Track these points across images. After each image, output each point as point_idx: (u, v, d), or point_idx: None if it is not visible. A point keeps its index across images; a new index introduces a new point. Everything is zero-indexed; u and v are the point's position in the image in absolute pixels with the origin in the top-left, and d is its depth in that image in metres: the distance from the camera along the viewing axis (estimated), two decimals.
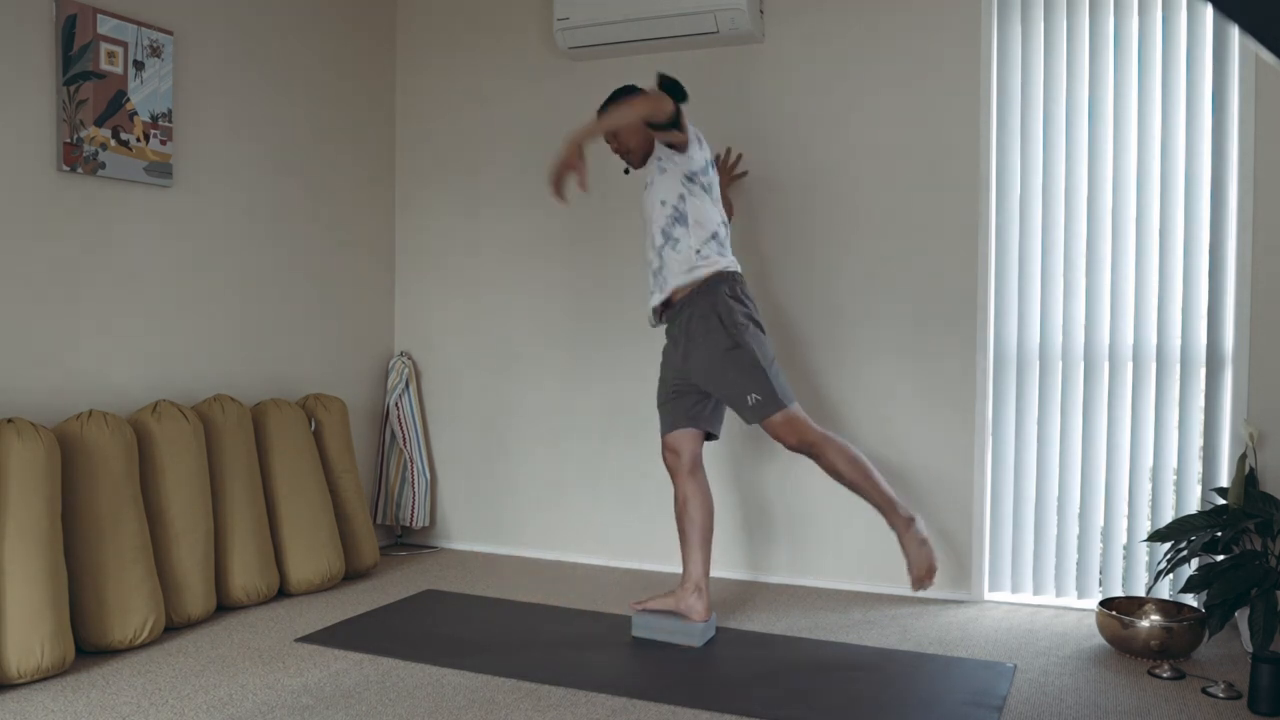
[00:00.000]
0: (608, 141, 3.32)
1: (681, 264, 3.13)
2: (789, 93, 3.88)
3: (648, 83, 4.04)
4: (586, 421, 4.23)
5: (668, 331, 3.25)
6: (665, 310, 3.23)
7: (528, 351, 4.33)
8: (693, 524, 3.19)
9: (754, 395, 3.04)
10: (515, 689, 2.73)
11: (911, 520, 3.05)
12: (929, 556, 3.02)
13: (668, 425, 3.25)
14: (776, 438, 3.09)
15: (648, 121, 3.02)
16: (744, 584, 3.89)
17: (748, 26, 3.74)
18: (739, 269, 3.18)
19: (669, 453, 3.23)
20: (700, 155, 3.13)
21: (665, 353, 3.28)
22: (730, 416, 3.98)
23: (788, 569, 3.91)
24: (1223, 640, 3.15)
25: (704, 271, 3.10)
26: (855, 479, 3.05)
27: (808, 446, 3.06)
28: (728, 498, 3.96)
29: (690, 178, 3.12)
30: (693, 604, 3.16)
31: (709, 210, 3.14)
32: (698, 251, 3.11)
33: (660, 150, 3.17)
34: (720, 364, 3.06)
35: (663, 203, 3.15)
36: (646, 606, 3.22)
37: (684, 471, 3.20)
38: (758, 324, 3.13)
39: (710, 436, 3.28)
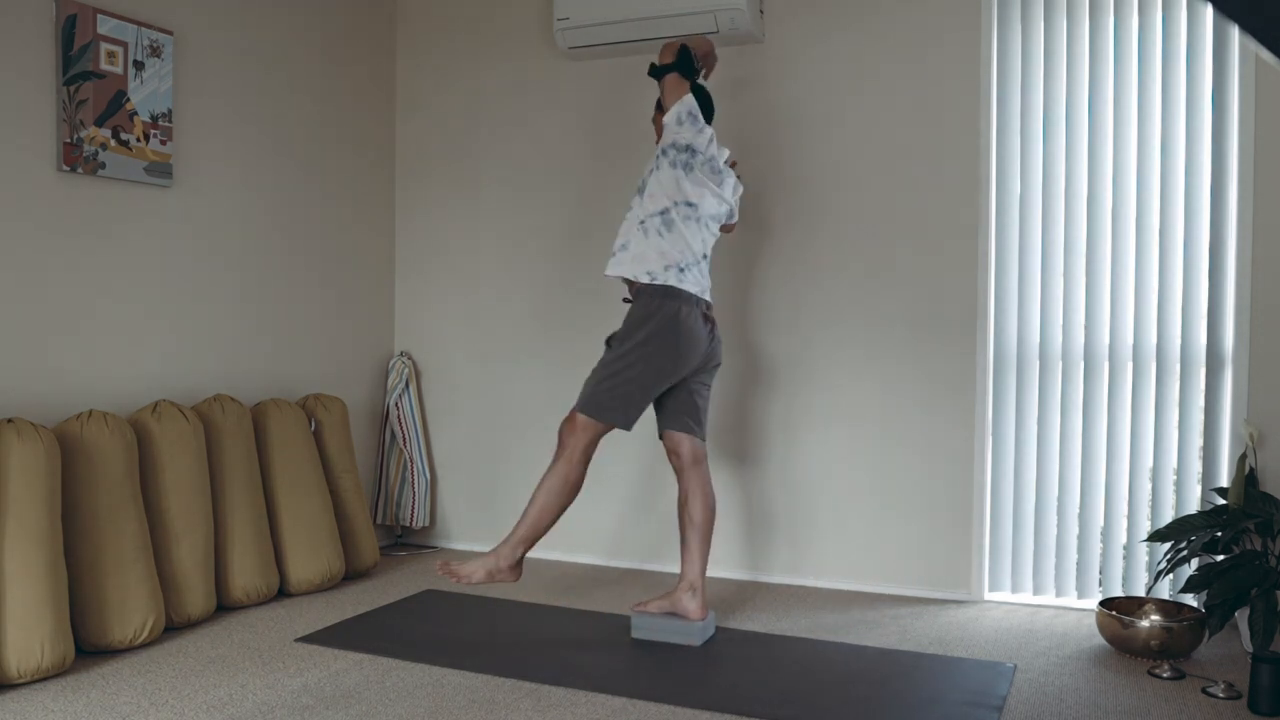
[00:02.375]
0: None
1: (630, 245, 3.14)
2: (789, 93, 3.88)
3: (648, 80, 4.06)
4: None
5: None
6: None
7: (528, 351, 4.33)
8: (691, 523, 3.20)
9: (586, 386, 3.16)
10: (515, 689, 2.73)
11: (514, 565, 3.11)
12: (476, 573, 3.05)
13: (662, 425, 3.29)
14: (563, 422, 3.17)
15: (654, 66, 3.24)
16: (744, 584, 3.89)
17: (748, 26, 3.74)
18: (687, 286, 3.10)
19: (673, 455, 3.25)
20: (676, 130, 3.15)
21: None
22: (730, 416, 3.98)
23: (788, 569, 3.91)
24: (1223, 640, 3.15)
25: (644, 286, 3.12)
26: (542, 498, 3.10)
27: (560, 440, 3.14)
28: (728, 498, 3.96)
29: (662, 151, 3.17)
30: (687, 603, 3.17)
31: (662, 188, 3.12)
32: (644, 259, 3.11)
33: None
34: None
35: (641, 178, 3.26)
36: (646, 609, 3.22)
37: (685, 469, 3.21)
38: (668, 344, 3.07)
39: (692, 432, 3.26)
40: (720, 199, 3.23)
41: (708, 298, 3.19)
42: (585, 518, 4.24)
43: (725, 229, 3.44)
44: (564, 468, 3.10)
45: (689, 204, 3.13)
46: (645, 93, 4.07)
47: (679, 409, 3.22)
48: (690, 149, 3.14)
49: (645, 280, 3.10)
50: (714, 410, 3.99)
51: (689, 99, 3.17)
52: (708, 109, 3.25)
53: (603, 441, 4.17)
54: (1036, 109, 3.58)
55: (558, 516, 3.14)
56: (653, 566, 4.10)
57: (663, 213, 3.11)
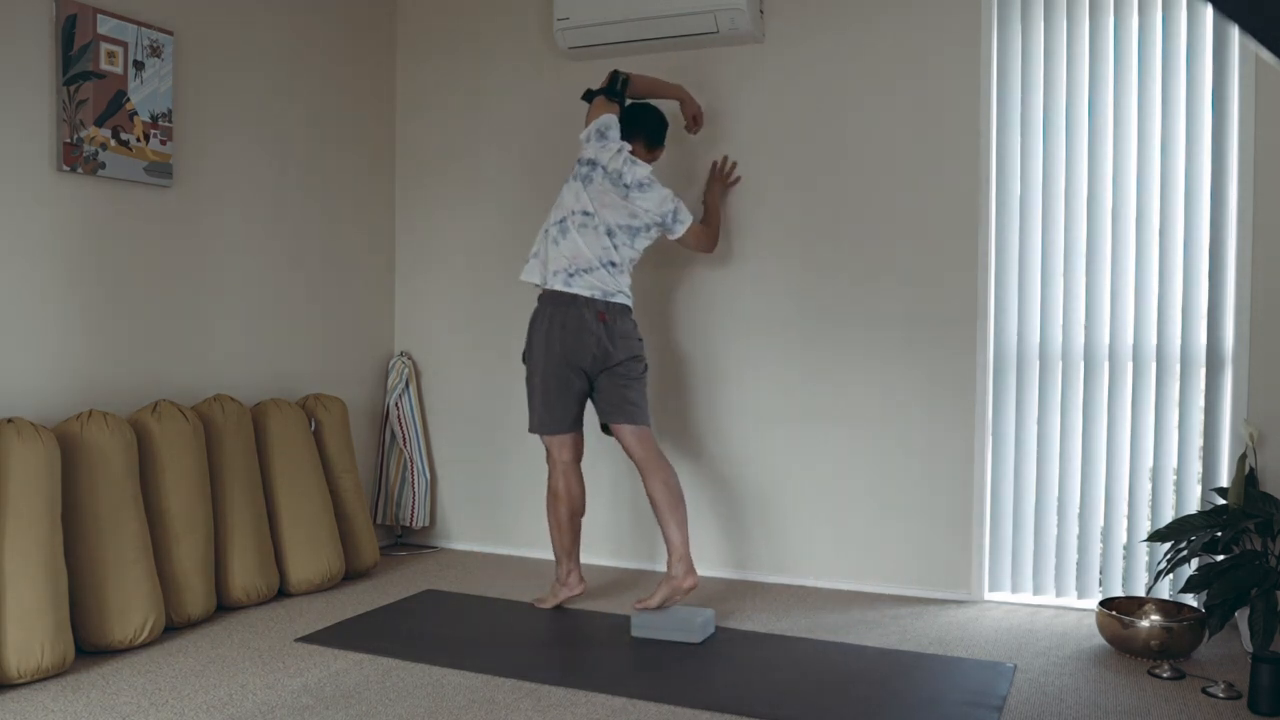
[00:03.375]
0: None
1: (540, 253, 3.49)
2: (789, 93, 3.88)
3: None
4: (585, 421, 4.22)
5: None
6: None
7: None
8: (655, 505, 3.32)
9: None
10: (515, 689, 2.73)
11: (565, 587, 3.49)
12: (554, 599, 3.50)
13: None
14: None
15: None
16: (744, 584, 3.89)
17: (748, 26, 3.74)
18: (577, 289, 3.35)
19: (627, 452, 3.46)
20: (584, 145, 3.46)
21: None
22: (729, 416, 3.98)
23: (788, 569, 3.91)
24: (1223, 640, 3.15)
25: (536, 285, 3.49)
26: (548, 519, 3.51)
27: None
28: (729, 497, 3.96)
29: (577, 162, 3.47)
30: (676, 570, 3.23)
31: (563, 197, 3.43)
32: (541, 266, 3.46)
33: None
34: None
35: None
36: (647, 605, 3.23)
37: (634, 457, 3.38)
38: (536, 349, 3.40)
39: (604, 428, 3.47)
40: (629, 211, 3.40)
41: (618, 300, 3.39)
42: (586, 517, 4.24)
43: (683, 242, 3.58)
44: (552, 488, 3.51)
45: (585, 213, 3.39)
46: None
47: (607, 405, 3.41)
48: (592, 163, 3.41)
49: (537, 281, 3.44)
50: (714, 410, 4.00)
51: (605, 118, 3.44)
52: (656, 127, 3.55)
53: (602, 443, 4.19)
54: (1036, 109, 3.58)
55: (559, 528, 3.50)
56: (652, 567, 4.10)
57: (560, 222, 3.41)
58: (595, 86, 3.56)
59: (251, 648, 3.05)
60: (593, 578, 3.97)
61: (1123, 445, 3.50)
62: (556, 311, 3.35)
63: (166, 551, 3.18)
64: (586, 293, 3.34)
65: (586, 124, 3.47)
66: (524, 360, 3.47)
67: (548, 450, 3.48)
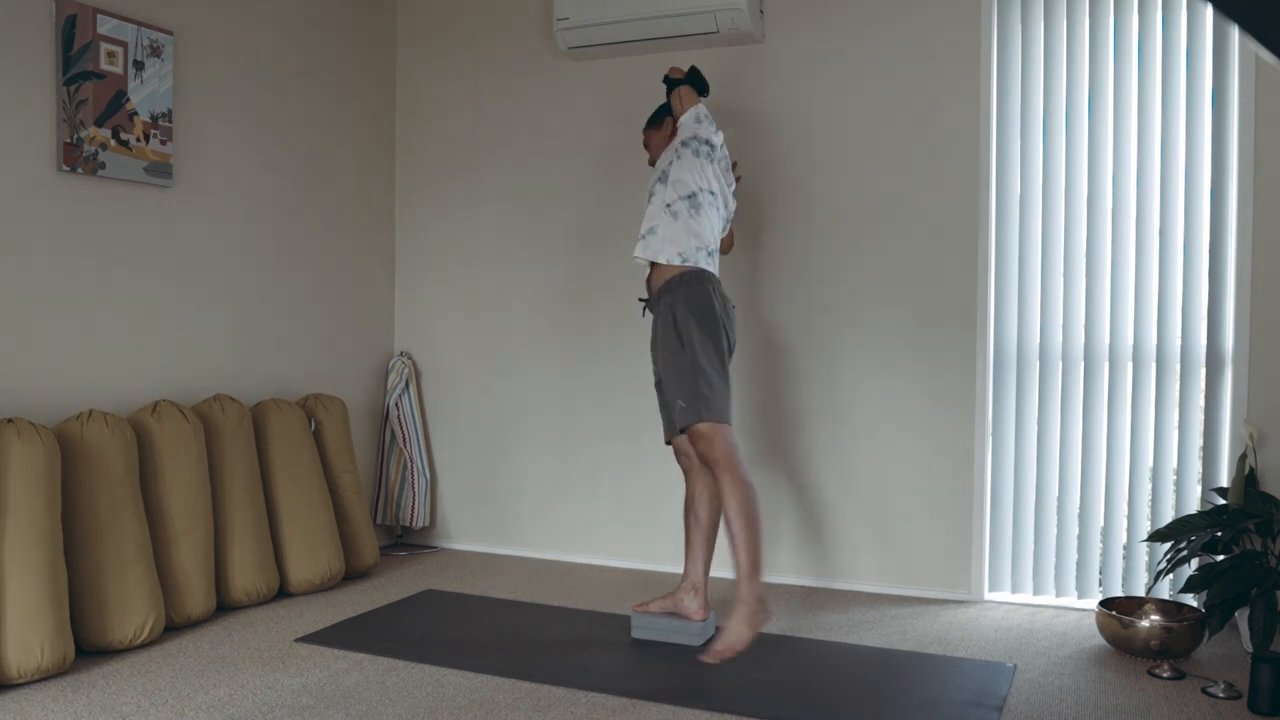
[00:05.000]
0: (649, 154, 3.46)
1: (658, 229, 3.13)
2: (789, 93, 3.88)
3: (649, 80, 4.06)
4: (586, 421, 4.23)
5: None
6: (646, 290, 3.26)
7: (527, 351, 4.33)
8: (697, 523, 3.20)
9: (680, 401, 3.00)
10: (515, 689, 2.73)
11: (760, 600, 2.85)
12: (742, 640, 2.81)
13: (667, 428, 3.20)
14: (692, 444, 3.01)
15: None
16: None
17: (748, 26, 3.74)
18: (712, 269, 3.15)
19: (679, 453, 3.25)
20: (694, 125, 3.20)
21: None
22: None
23: (788, 569, 3.91)
24: (1223, 640, 3.15)
25: (674, 264, 3.10)
26: (735, 521, 2.88)
27: (710, 463, 2.96)
28: None
29: (683, 143, 3.19)
30: (688, 603, 3.17)
31: (689, 174, 3.14)
32: (675, 240, 3.11)
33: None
34: (667, 364, 3.06)
35: (655, 170, 3.25)
36: (647, 609, 3.22)
37: (693, 470, 3.20)
38: (713, 329, 3.03)
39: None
40: (728, 199, 3.27)
41: None
42: (586, 517, 4.24)
43: (725, 240, 3.42)
44: (734, 481, 2.89)
45: (711, 191, 3.16)
46: (645, 93, 4.07)
47: None
48: (710, 144, 3.19)
49: (677, 262, 3.08)
50: None
51: (702, 107, 3.24)
52: None
53: (602, 441, 4.19)
54: (1036, 109, 3.58)
55: (759, 531, 2.92)
56: (653, 567, 4.10)
57: (690, 196, 3.12)
58: (672, 76, 3.39)
59: (251, 648, 3.05)
60: (594, 578, 3.97)
61: (1123, 445, 3.50)
62: (717, 289, 3.10)
63: (166, 551, 3.18)
64: (716, 273, 3.16)
65: (684, 107, 3.25)
66: (695, 342, 2.99)
67: (725, 444, 2.93)
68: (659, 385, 3.19)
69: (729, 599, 3.65)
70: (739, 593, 2.84)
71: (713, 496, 3.19)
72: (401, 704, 2.60)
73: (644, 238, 3.14)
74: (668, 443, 3.26)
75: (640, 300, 3.24)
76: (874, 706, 2.64)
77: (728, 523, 2.90)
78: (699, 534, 3.20)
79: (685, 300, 3.04)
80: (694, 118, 3.22)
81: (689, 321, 3.01)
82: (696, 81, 3.35)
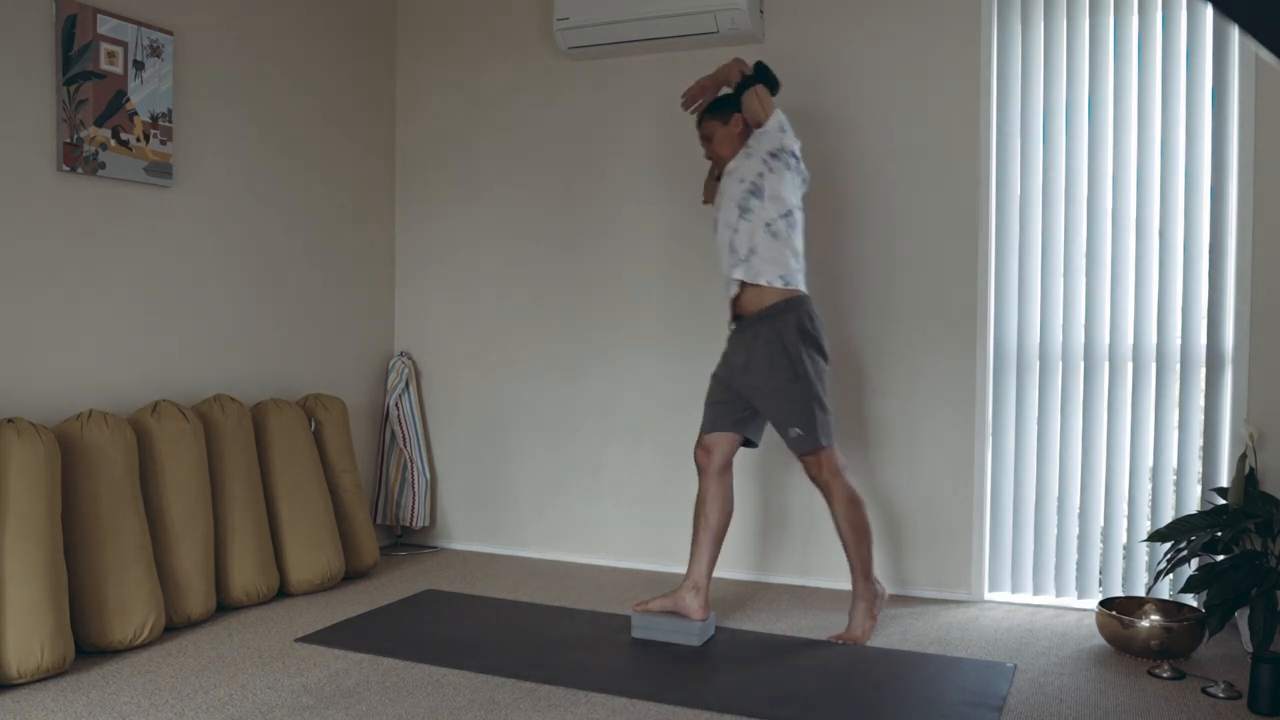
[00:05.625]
0: (704, 147, 3.40)
1: (759, 249, 3.12)
2: (788, 93, 3.87)
3: (649, 80, 4.06)
4: (586, 421, 4.23)
5: (733, 336, 3.26)
6: (734, 308, 3.24)
7: (527, 351, 4.33)
8: (706, 525, 3.22)
9: (797, 430, 3.12)
10: (515, 689, 2.73)
11: (876, 595, 3.22)
12: (866, 632, 3.18)
13: (709, 424, 3.26)
14: (804, 466, 3.21)
15: (730, 89, 3.30)
16: (745, 584, 3.89)
17: (748, 26, 3.74)
18: (804, 284, 3.20)
19: (701, 450, 3.26)
20: (780, 135, 3.19)
21: (726, 355, 3.29)
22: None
23: (788, 569, 3.91)
24: (1223, 640, 3.15)
25: (776, 287, 3.13)
26: (848, 532, 3.18)
27: (821, 484, 3.20)
28: None
29: (774, 154, 3.17)
30: (689, 602, 3.17)
31: (786, 189, 3.16)
32: (777, 262, 3.13)
33: (750, 139, 3.24)
34: (777, 392, 3.13)
35: (741, 180, 3.19)
36: (648, 608, 3.23)
37: (711, 472, 3.23)
38: (822, 352, 3.17)
39: (749, 443, 3.30)
40: None
41: None
42: (586, 517, 4.24)
43: None
44: (846, 498, 3.17)
45: (800, 209, 3.21)
46: (645, 93, 4.08)
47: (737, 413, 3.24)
48: (795, 154, 3.20)
49: (779, 285, 3.12)
50: None
51: (781, 112, 3.23)
52: None
53: (602, 442, 4.19)
54: (1036, 109, 3.58)
55: (870, 537, 3.22)
56: (653, 566, 4.10)
57: (787, 214, 3.15)
58: (737, 81, 3.30)
59: (251, 648, 3.05)
60: (594, 578, 3.97)
61: (1123, 445, 3.50)
62: (813, 308, 3.17)
63: (166, 551, 3.18)
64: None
65: (766, 109, 3.20)
66: (808, 370, 3.09)
67: (836, 466, 3.16)
68: (724, 403, 3.23)
69: (729, 599, 3.66)
70: (857, 590, 3.20)
71: (724, 501, 3.24)
72: (401, 704, 2.60)
73: (746, 260, 3.14)
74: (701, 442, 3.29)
75: (734, 320, 3.25)
76: (874, 706, 2.64)
77: (841, 533, 3.19)
78: (707, 535, 3.22)
79: (796, 328, 3.11)
80: (779, 125, 3.20)
81: (800, 349, 3.10)
82: (768, 79, 3.28)
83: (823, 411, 3.13)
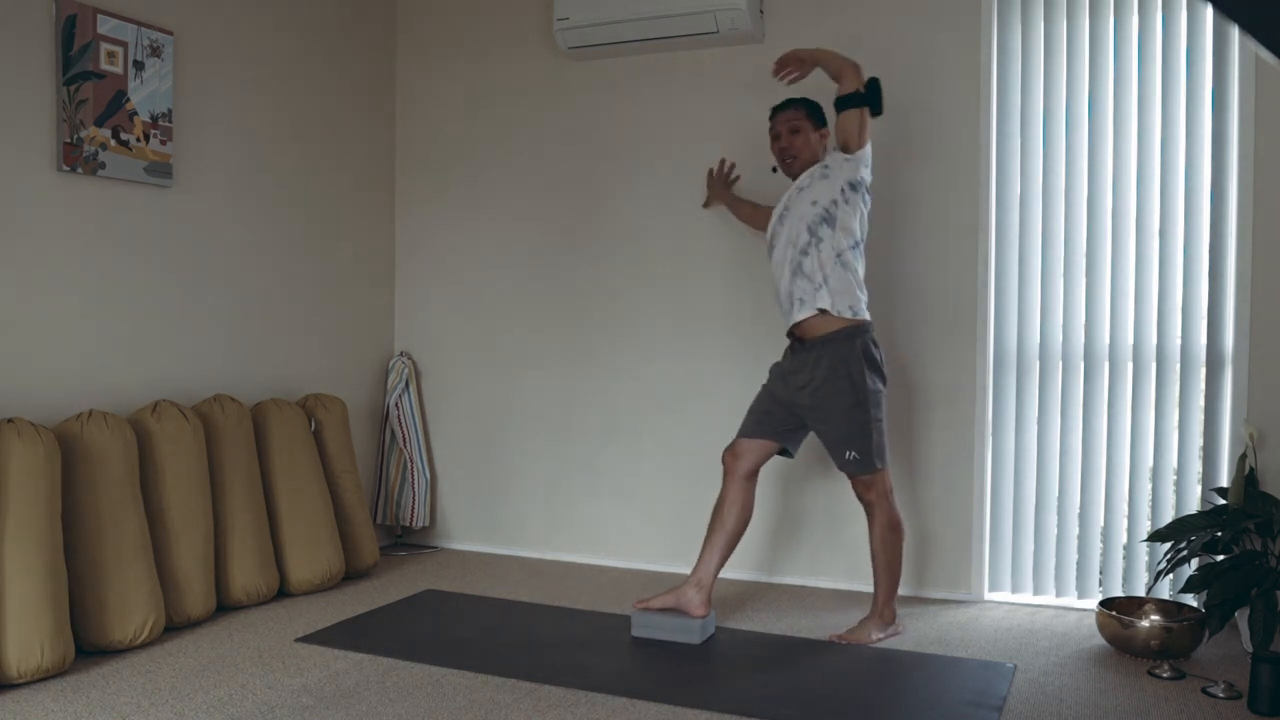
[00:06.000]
0: (777, 139, 3.35)
1: (831, 280, 3.15)
2: (788, 93, 3.87)
3: (649, 80, 4.06)
4: (586, 421, 4.23)
5: (793, 356, 3.26)
6: (794, 332, 3.25)
7: (527, 351, 4.33)
8: (722, 527, 3.24)
9: (853, 453, 3.16)
10: (515, 689, 2.73)
11: (890, 622, 3.24)
12: (871, 640, 3.18)
13: (747, 430, 3.29)
14: (854, 485, 3.26)
15: (840, 93, 3.23)
16: (745, 584, 3.89)
17: (748, 26, 3.74)
18: (864, 315, 3.20)
19: (730, 454, 3.28)
20: (862, 169, 3.20)
21: (780, 371, 3.30)
22: (729, 416, 3.97)
23: (788, 569, 3.91)
24: (1223, 640, 3.15)
25: (845, 317, 3.15)
26: (881, 554, 3.23)
27: (867, 503, 3.24)
28: None
29: (853, 186, 3.19)
30: (691, 597, 3.19)
31: (856, 222, 3.19)
32: (847, 292, 3.15)
33: (829, 158, 3.24)
34: (836, 416, 3.17)
35: (814, 203, 3.19)
36: (649, 605, 3.23)
37: (736, 476, 3.25)
38: (883, 377, 3.21)
39: (785, 453, 3.33)
40: None
41: None
42: (586, 517, 4.24)
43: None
44: (887, 522, 3.22)
45: (864, 241, 3.25)
46: (645, 92, 4.07)
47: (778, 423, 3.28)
48: (870, 192, 3.24)
49: (848, 315, 3.15)
50: (713, 409, 3.99)
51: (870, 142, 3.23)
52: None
53: (602, 442, 4.19)
54: (1036, 109, 3.58)
55: (900, 563, 3.28)
56: (653, 566, 4.10)
57: (855, 245, 3.20)
58: (845, 90, 3.22)
59: (251, 648, 3.05)
60: (594, 578, 3.97)
61: (1123, 445, 3.50)
62: (873, 337, 3.21)
63: (166, 551, 3.18)
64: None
65: (863, 136, 3.20)
66: (870, 397, 3.14)
67: (884, 488, 3.22)
68: (770, 412, 3.26)
69: (731, 599, 3.66)
70: (875, 609, 3.24)
71: (744, 507, 3.26)
72: (401, 704, 2.60)
73: (820, 288, 3.15)
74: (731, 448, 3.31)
75: (791, 338, 3.27)
76: (874, 706, 2.64)
77: (875, 556, 3.24)
78: (721, 536, 3.23)
79: (863, 354, 3.15)
80: (867, 158, 3.22)
81: (863, 376, 3.14)
82: (877, 102, 3.21)
83: (880, 435, 3.17)
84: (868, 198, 3.25)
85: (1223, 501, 3.21)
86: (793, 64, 3.33)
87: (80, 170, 3.19)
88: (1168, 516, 3.44)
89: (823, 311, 3.16)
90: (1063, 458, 3.57)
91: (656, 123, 4.06)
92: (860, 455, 3.16)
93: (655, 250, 4.09)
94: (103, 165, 3.25)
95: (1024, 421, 3.62)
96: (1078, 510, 3.56)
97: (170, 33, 3.47)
